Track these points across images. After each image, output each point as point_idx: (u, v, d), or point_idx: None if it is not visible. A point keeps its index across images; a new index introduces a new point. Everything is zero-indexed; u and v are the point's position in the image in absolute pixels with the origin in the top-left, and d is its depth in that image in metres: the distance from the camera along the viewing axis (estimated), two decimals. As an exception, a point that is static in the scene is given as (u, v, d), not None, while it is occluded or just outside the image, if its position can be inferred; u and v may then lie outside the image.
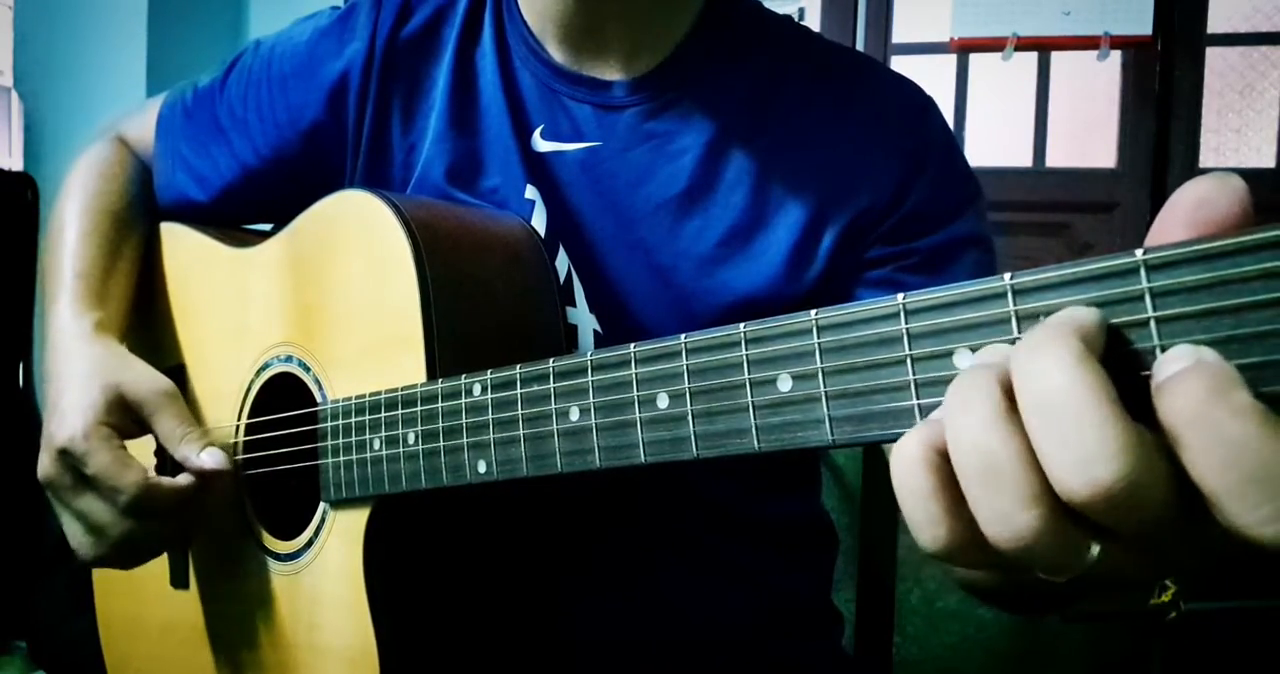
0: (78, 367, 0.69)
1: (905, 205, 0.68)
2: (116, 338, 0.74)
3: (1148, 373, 0.28)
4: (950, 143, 0.71)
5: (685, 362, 0.41)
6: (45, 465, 0.67)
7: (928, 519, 0.31)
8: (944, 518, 0.30)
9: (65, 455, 0.65)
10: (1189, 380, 0.25)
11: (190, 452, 0.66)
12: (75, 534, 0.68)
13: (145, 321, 0.82)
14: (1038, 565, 0.29)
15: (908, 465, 0.31)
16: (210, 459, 0.66)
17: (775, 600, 0.76)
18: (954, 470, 0.30)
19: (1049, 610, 0.51)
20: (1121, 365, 0.29)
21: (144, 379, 0.69)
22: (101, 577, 0.85)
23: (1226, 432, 0.25)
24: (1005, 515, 0.28)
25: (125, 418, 0.68)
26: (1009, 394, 0.29)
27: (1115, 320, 0.29)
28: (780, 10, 0.76)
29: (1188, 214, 0.29)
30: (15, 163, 2.22)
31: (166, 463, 0.76)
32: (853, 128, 0.69)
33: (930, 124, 0.72)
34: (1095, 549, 0.29)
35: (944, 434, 0.30)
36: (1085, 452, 0.26)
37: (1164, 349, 0.28)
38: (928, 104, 0.73)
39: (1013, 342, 0.31)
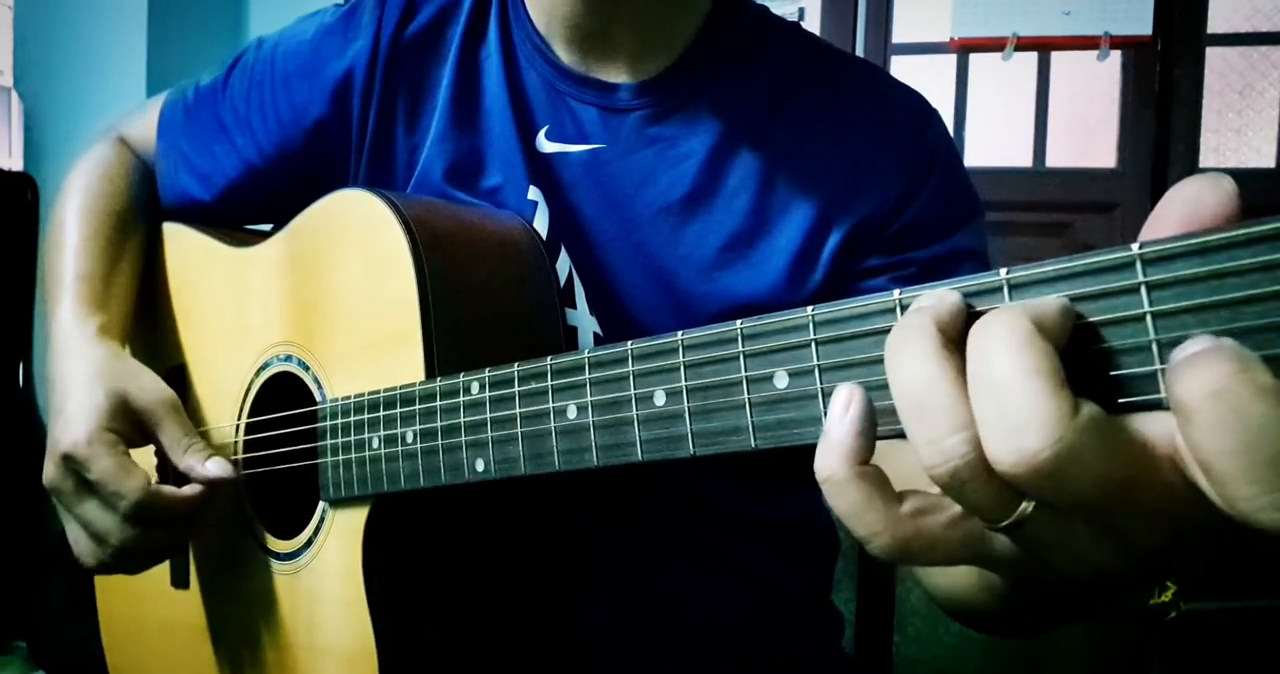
0: (81, 371, 0.69)
1: (906, 215, 0.68)
2: (119, 341, 0.74)
3: (1147, 368, 0.28)
4: (953, 155, 0.71)
5: (682, 359, 0.41)
6: (49, 471, 0.67)
7: (874, 527, 0.32)
8: (888, 521, 0.31)
9: (69, 460, 0.65)
10: (1210, 358, 0.25)
11: (195, 462, 0.66)
12: (78, 541, 0.68)
13: (147, 322, 0.82)
14: (971, 504, 0.30)
15: (837, 486, 0.32)
16: (215, 468, 0.66)
17: (775, 600, 0.76)
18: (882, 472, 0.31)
19: (1035, 627, 0.51)
20: (1110, 357, 0.29)
21: (149, 388, 0.69)
22: (103, 577, 0.85)
23: (1248, 409, 0.24)
24: (935, 441, 0.29)
25: (129, 425, 0.68)
26: (944, 333, 0.30)
27: (1112, 315, 0.29)
28: (780, 10, 0.76)
29: (1180, 213, 0.29)
30: (15, 163, 2.22)
31: (168, 469, 0.77)
32: (857, 136, 0.69)
33: (934, 135, 0.72)
34: (1029, 504, 0.29)
35: (852, 443, 0.32)
36: (1015, 421, 0.27)
37: (1160, 343, 0.28)
38: (931, 115, 0.73)
39: (957, 289, 0.32)
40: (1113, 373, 0.29)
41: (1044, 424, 0.26)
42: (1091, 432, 0.27)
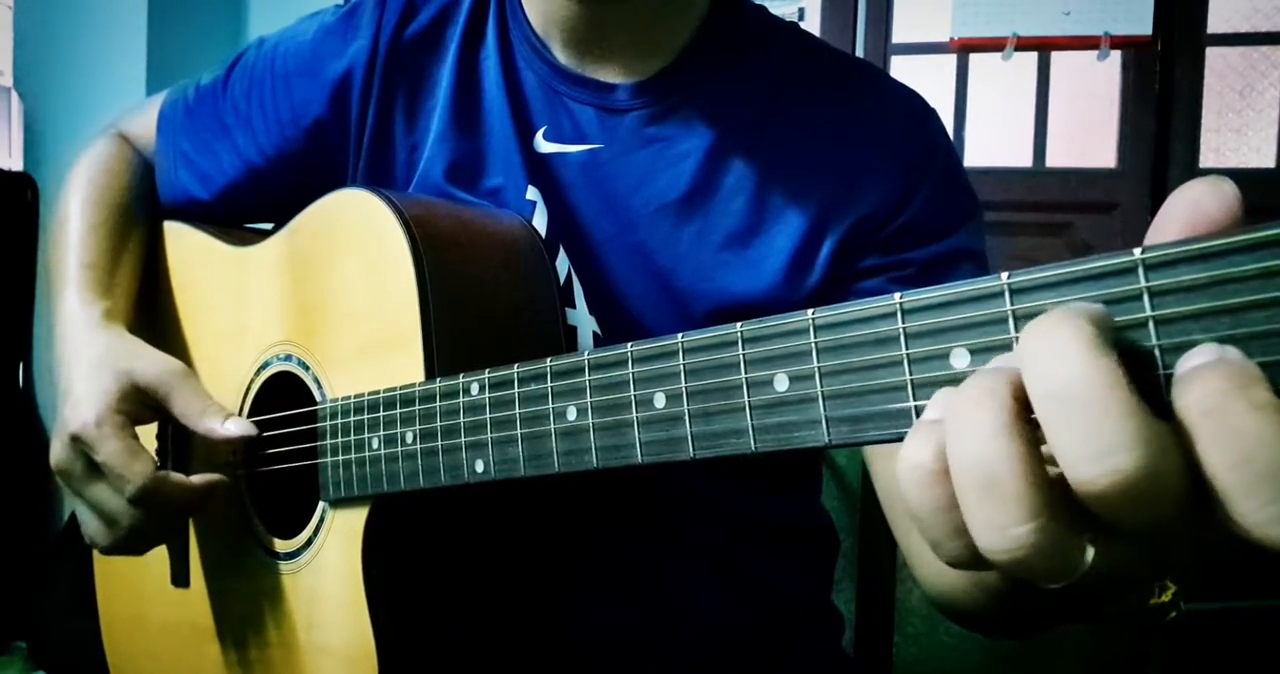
0: (88, 355, 0.69)
1: (904, 216, 0.68)
2: (124, 326, 0.74)
3: (1154, 371, 0.28)
4: (951, 156, 0.71)
5: (682, 361, 0.41)
6: (57, 452, 0.67)
7: (950, 532, 0.30)
8: (966, 528, 0.29)
9: (77, 442, 0.65)
10: (1209, 372, 0.25)
11: (214, 423, 0.66)
12: (89, 523, 0.68)
13: (147, 319, 0.82)
14: (1032, 575, 0.28)
15: (922, 478, 0.29)
16: (235, 428, 0.66)
17: (775, 601, 0.76)
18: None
19: (1031, 630, 0.51)
20: (1127, 364, 0.29)
21: (154, 363, 0.69)
22: (103, 576, 0.86)
23: (1243, 425, 0.24)
24: (1001, 528, 0.27)
25: (139, 404, 0.68)
26: (1016, 399, 0.28)
27: (1115, 320, 0.29)
28: (779, 10, 0.76)
29: (1182, 218, 0.29)
30: (15, 163, 2.22)
31: (167, 454, 0.77)
32: (855, 137, 0.69)
33: (933, 135, 0.71)
34: (1090, 553, 0.28)
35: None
36: (1106, 441, 0.25)
37: (1162, 349, 0.28)
38: (930, 115, 0.73)
39: (1009, 345, 0.31)
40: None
41: (1136, 442, 0.25)
42: (1175, 446, 0.26)
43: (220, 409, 0.67)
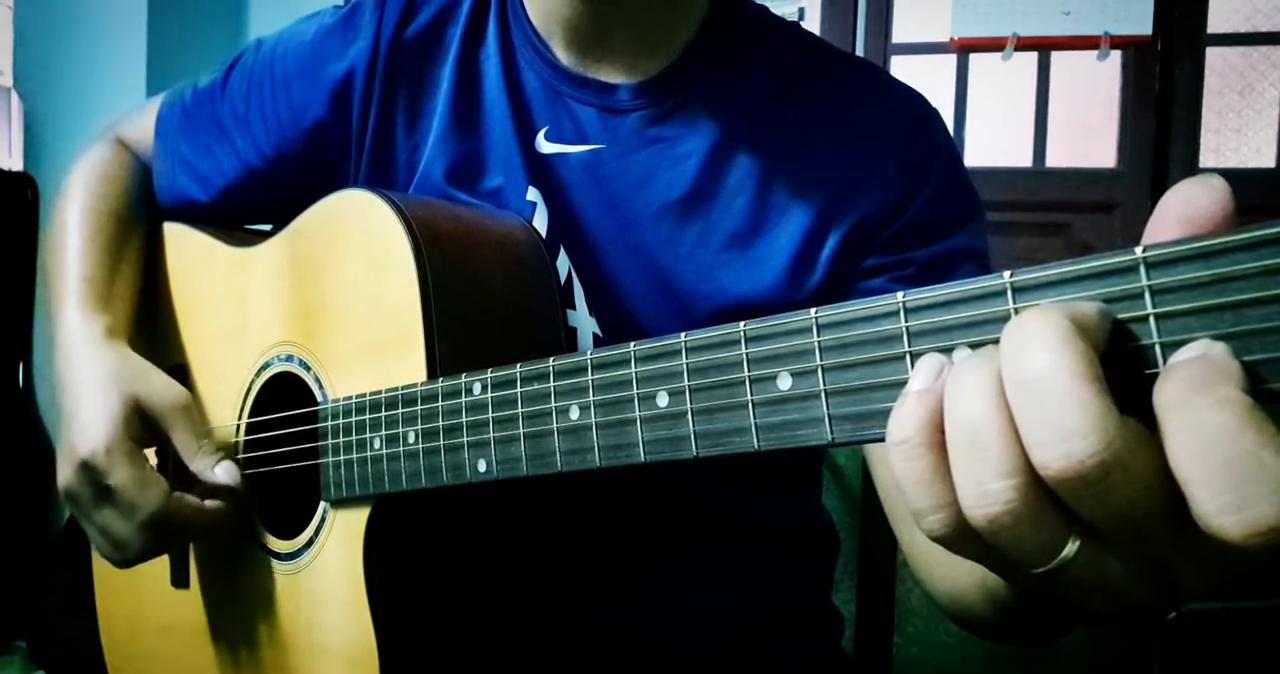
0: (93, 375, 0.69)
1: (905, 215, 0.68)
2: (126, 342, 0.74)
3: (1151, 370, 0.28)
4: (953, 155, 0.71)
5: (685, 360, 0.41)
6: (66, 477, 0.67)
7: (934, 503, 0.31)
8: (951, 500, 0.30)
9: (87, 468, 0.65)
10: (1183, 369, 0.26)
11: (205, 466, 0.67)
12: (100, 545, 0.68)
13: (147, 321, 0.82)
14: (1012, 548, 0.29)
15: (908, 452, 0.31)
16: (224, 475, 0.67)
17: (775, 601, 0.76)
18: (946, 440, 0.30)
19: (1037, 638, 0.51)
20: (1125, 363, 0.29)
21: (161, 390, 0.69)
22: (102, 576, 0.86)
23: (1204, 419, 0.25)
24: (981, 484, 0.29)
25: (144, 429, 0.68)
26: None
27: (1116, 317, 0.29)
28: (780, 10, 0.76)
29: (1176, 216, 0.30)
30: (15, 163, 2.22)
31: (169, 470, 0.77)
32: (856, 137, 0.69)
33: (934, 135, 0.71)
34: (1073, 546, 0.29)
35: (935, 408, 0.31)
36: (1063, 427, 0.27)
37: (1163, 346, 0.28)
38: (932, 114, 0.73)
39: None
40: (1116, 376, 0.29)
41: (1091, 429, 0.26)
42: (1141, 439, 0.27)
43: (215, 450, 0.68)
